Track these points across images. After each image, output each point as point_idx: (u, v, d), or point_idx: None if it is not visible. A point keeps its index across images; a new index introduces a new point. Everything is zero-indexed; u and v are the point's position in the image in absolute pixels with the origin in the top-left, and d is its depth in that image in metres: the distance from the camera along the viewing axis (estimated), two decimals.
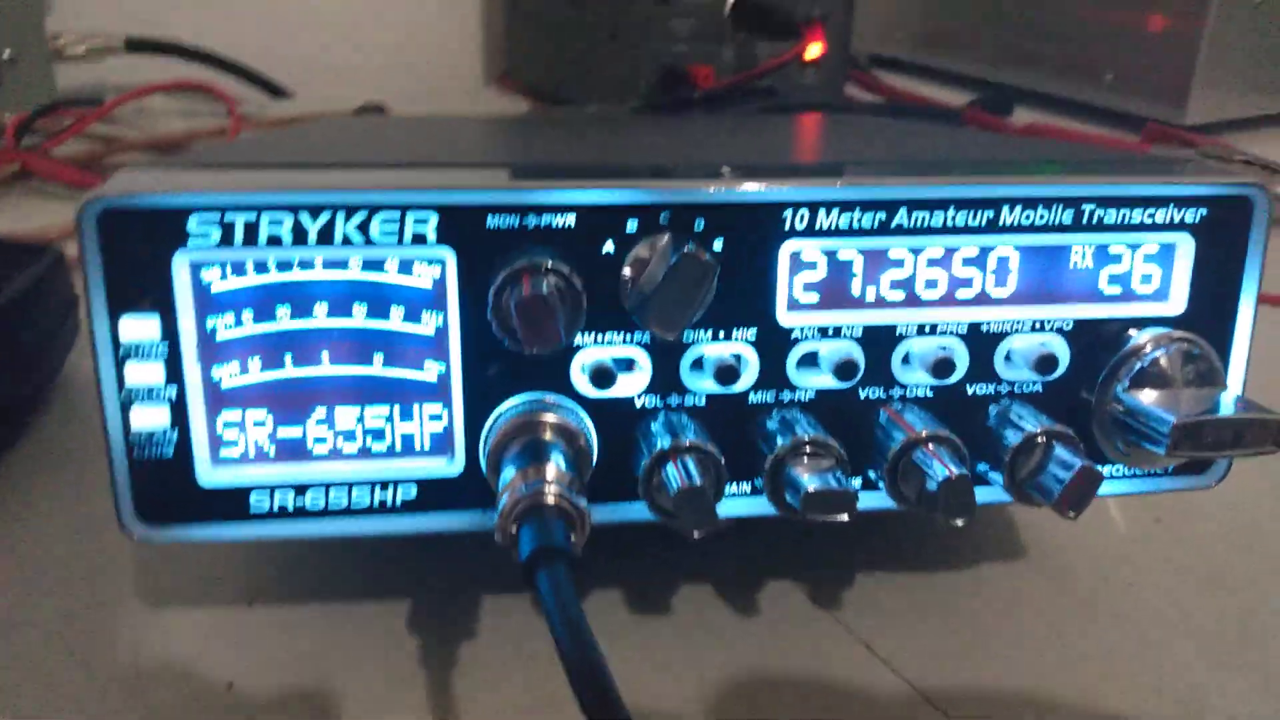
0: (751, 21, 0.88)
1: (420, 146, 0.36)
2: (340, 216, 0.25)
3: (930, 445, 0.26)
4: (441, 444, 0.27)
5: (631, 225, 0.26)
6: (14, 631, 0.29)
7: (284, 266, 0.25)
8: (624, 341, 0.27)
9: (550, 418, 0.26)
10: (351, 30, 1.11)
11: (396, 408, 0.27)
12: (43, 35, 0.83)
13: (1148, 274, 0.28)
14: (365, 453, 0.27)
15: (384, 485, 0.27)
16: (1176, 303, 0.28)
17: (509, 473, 0.25)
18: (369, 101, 0.83)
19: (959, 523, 0.25)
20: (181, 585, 0.31)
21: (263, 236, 0.25)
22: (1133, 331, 0.28)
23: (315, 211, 0.25)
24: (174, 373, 0.26)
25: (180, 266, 0.25)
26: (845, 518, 0.25)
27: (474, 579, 0.31)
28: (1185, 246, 0.28)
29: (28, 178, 0.70)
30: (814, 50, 0.85)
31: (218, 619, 0.30)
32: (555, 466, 0.25)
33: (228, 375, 0.26)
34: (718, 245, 0.26)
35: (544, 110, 0.94)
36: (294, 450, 0.27)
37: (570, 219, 0.25)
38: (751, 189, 0.26)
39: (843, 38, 0.95)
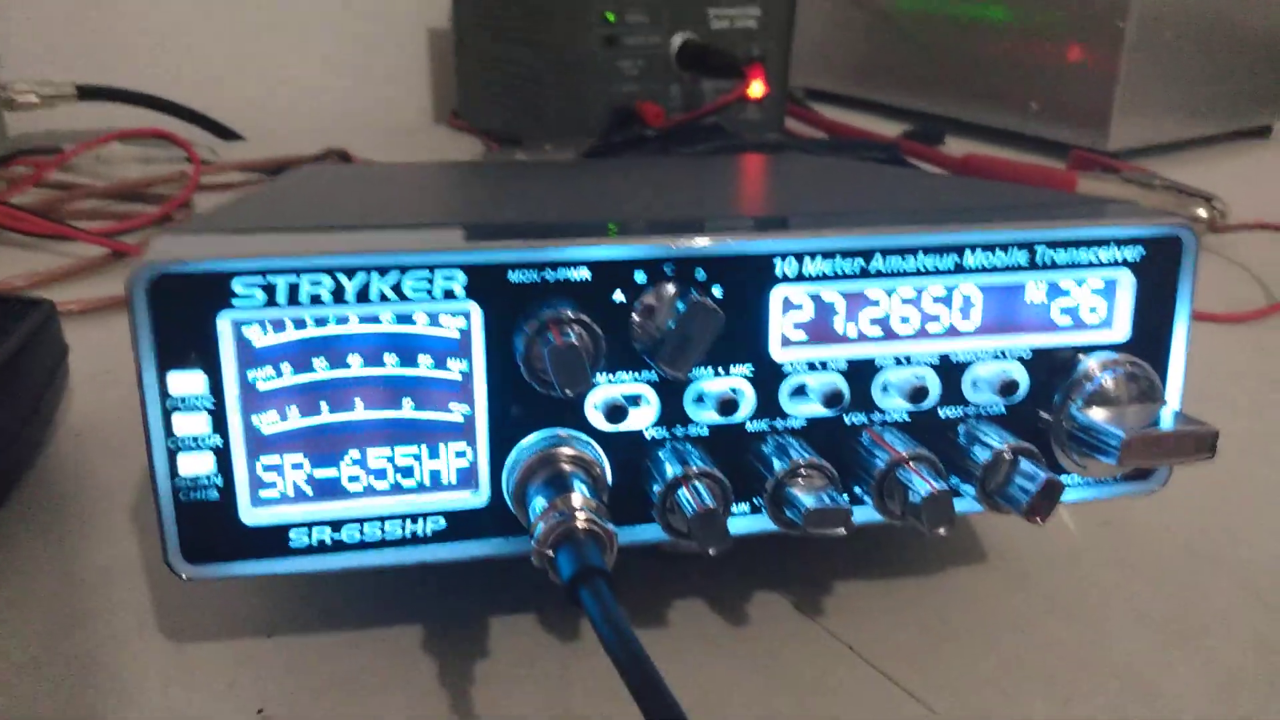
0: (697, 62, 0.91)
1: (431, 202, 0.39)
2: (375, 276, 0.27)
3: (912, 464, 0.29)
4: (468, 479, 0.30)
5: (640, 276, 0.28)
6: (40, 672, 0.31)
7: (321, 322, 0.28)
8: (633, 379, 0.29)
9: (569, 451, 0.29)
10: (297, 70, 1.12)
11: (425, 447, 0.29)
12: None
13: (1094, 305, 0.31)
14: (396, 489, 0.29)
15: (414, 518, 0.30)
16: (1120, 330, 0.32)
17: (539, 502, 0.27)
18: (330, 147, 0.84)
19: (942, 532, 0.28)
20: (202, 622, 0.33)
21: (303, 296, 0.27)
22: (1082, 356, 0.31)
23: (351, 272, 0.27)
24: (218, 422, 0.28)
25: (224, 326, 0.27)
26: (843, 531, 0.28)
27: (480, 602, 0.34)
28: (1126, 280, 0.31)
29: None
30: (757, 89, 0.89)
31: (240, 652, 0.32)
32: (581, 494, 0.27)
33: (268, 423, 0.28)
34: (717, 292, 0.29)
35: (502, 151, 0.97)
36: (330, 489, 0.29)
37: (585, 272, 0.28)
38: (746, 241, 0.29)
39: (781, 75, 0.99)
